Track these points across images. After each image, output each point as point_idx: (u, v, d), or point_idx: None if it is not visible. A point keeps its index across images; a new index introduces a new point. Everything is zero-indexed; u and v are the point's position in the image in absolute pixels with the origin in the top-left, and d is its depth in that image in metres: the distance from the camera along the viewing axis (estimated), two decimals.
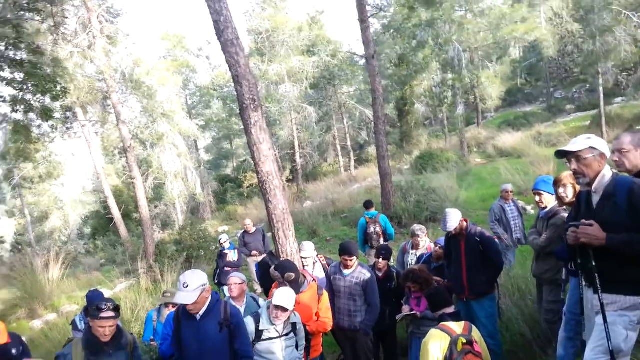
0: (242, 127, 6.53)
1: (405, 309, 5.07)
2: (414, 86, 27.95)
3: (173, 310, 4.77)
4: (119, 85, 20.22)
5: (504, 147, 22.37)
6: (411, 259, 6.42)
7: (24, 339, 5.65)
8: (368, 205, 9.37)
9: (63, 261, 12.32)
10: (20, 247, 19.28)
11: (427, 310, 4.45)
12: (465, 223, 5.06)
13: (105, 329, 3.59)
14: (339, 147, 30.98)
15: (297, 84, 26.27)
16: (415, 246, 6.50)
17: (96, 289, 6.27)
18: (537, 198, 4.58)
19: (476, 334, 3.62)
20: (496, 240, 5.32)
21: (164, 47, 33.73)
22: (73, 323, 5.80)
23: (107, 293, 10.73)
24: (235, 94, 6.49)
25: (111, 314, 3.61)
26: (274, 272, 4.65)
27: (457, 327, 3.57)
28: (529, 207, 11.74)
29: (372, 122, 15.27)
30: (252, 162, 6.41)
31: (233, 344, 3.78)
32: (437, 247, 5.80)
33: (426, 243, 6.53)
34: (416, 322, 4.97)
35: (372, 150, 28.25)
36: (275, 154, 27.59)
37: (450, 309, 3.84)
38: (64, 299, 11.33)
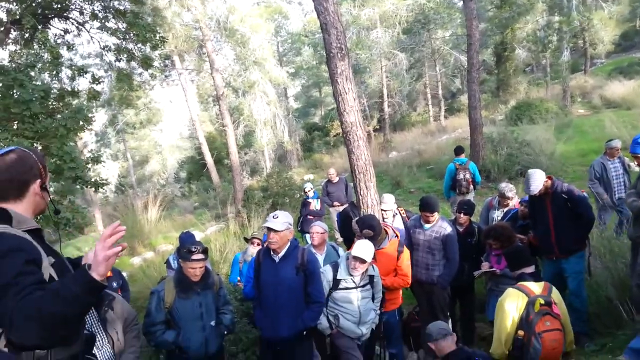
0: None
1: (485, 266, 5.02)
2: (516, 29, 26.14)
3: (258, 247, 5.07)
4: (213, 33, 20.85)
5: (612, 97, 20.48)
6: (497, 215, 6.22)
7: (124, 274, 6.28)
8: (458, 151, 9.30)
9: (160, 203, 13.17)
10: (123, 188, 20.99)
11: (507, 268, 4.37)
12: (549, 181, 4.81)
13: (195, 270, 3.90)
14: (429, 96, 29.94)
15: (389, 29, 25.38)
16: (503, 206, 6.19)
17: (188, 230, 6.75)
18: (636, 162, 4.24)
19: (556, 295, 3.53)
20: (585, 195, 4.96)
21: None
22: (167, 262, 6.31)
23: (198, 235, 11.42)
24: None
25: (201, 256, 3.90)
26: (355, 225, 4.77)
27: (536, 287, 3.50)
28: (633, 164, 10.81)
29: (466, 70, 14.58)
30: None
31: (307, 288, 3.99)
32: (523, 206, 5.58)
33: (514, 202, 6.26)
34: (495, 280, 4.91)
35: (464, 99, 27.02)
36: (363, 103, 27.61)
37: (530, 269, 3.73)
38: (160, 238, 12.24)
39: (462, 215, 5.51)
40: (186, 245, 3.98)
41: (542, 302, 3.35)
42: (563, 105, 21.08)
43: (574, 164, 12.21)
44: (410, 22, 25.61)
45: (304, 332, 4.03)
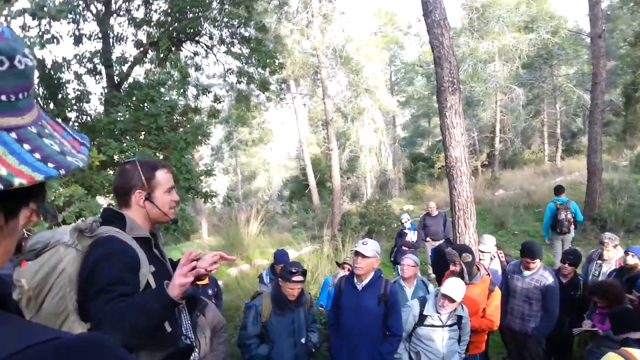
0: None
1: (587, 324, 4.63)
2: None
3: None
4: (329, 60, 21.57)
5: None
6: (594, 268, 5.73)
7: (220, 282, 6.61)
8: (559, 190, 9.34)
9: (262, 218, 13.53)
10: (229, 201, 22.15)
11: (611, 330, 4.02)
12: None
13: (294, 290, 4.06)
14: (546, 134, 28.28)
15: (507, 62, 24.52)
16: (602, 257, 5.72)
17: (283, 249, 6.96)
18: None
19: None
20: None
21: (375, 23, 34.44)
22: (260, 276, 6.56)
23: (293, 254, 11.66)
24: None
25: (300, 278, 4.06)
26: (451, 250, 4.68)
27: None
28: None
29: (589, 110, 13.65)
30: None
31: (387, 320, 3.97)
32: (630, 255, 5.09)
33: (615, 255, 5.70)
34: (596, 341, 4.51)
35: (585, 140, 25.25)
36: (473, 137, 26.83)
37: (637, 334, 3.41)
38: (257, 252, 12.53)
39: (567, 265, 5.16)
40: (287, 267, 4.14)
41: None
42: None
43: None
44: (532, 56, 24.57)
45: None
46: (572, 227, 8.95)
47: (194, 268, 1.78)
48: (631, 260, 5.07)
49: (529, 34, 23.96)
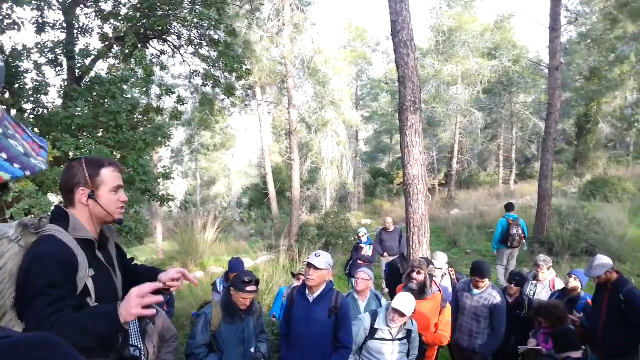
0: None
1: (532, 343, 4.79)
2: (602, 103, 25.37)
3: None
4: (297, 70, 21.66)
5: None
6: (530, 288, 5.99)
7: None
8: (510, 207, 10.09)
9: (219, 225, 13.28)
10: (187, 205, 21.81)
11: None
12: (614, 275, 4.54)
13: (246, 300, 4.02)
14: (501, 158, 29.27)
15: (469, 86, 25.28)
16: (537, 278, 6.05)
17: (239, 257, 6.88)
18: None
19: None
20: None
21: (345, 37, 34.88)
22: (214, 284, 6.44)
23: (248, 263, 11.53)
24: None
25: (254, 288, 4.02)
26: (420, 259, 4.75)
27: None
28: None
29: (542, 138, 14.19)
30: None
31: (337, 332, 3.99)
32: (573, 278, 5.33)
33: (549, 276, 6.05)
34: (540, 359, 4.66)
35: (537, 166, 26.23)
36: (432, 156, 27.41)
37: (577, 354, 3.56)
38: (212, 260, 12.36)
39: (513, 286, 5.33)
40: (241, 276, 4.08)
41: None
42: None
43: None
44: (493, 82, 25.43)
45: None
46: (523, 241, 9.74)
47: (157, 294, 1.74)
48: (573, 282, 5.31)
49: (492, 60, 24.82)
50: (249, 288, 3.97)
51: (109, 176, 1.98)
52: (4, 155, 0.66)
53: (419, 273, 4.67)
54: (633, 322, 4.34)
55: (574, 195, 19.27)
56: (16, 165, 0.66)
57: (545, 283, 5.99)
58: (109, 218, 2.00)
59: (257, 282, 4.07)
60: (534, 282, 6.04)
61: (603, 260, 4.62)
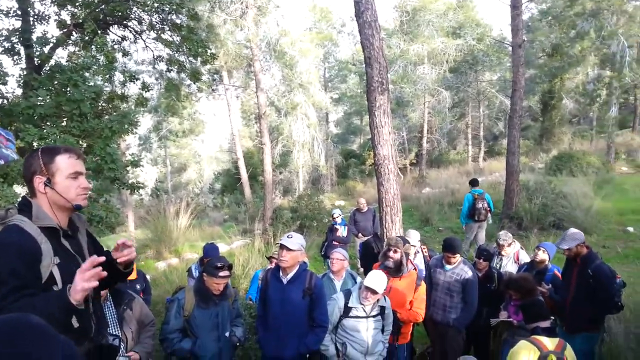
0: None
1: (503, 315, 4.94)
2: (565, 79, 25.94)
3: None
4: (263, 53, 21.39)
5: None
6: (496, 262, 6.18)
7: (148, 277, 6.40)
8: (475, 182, 10.43)
9: (192, 211, 13.14)
10: (158, 193, 21.49)
11: None
12: (584, 250, 4.68)
13: (219, 285, 4.01)
14: (470, 136, 29.72)
15: (436, 66, 25.40)
16: (501, 254, 6.25)
17: (213, 242, 6.84)
18: None
19: (569, 353, 3.44)
20: (618, 280, 4.63)
21: (310, 19, 34.57)
22: (189, 270, 6.42)
23: (223, 248, 11.47)
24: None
25: (226, 273, 4.01)
26: (397, 237, 4.81)
27: (550, 342, 3.42)
28: None
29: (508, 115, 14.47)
30: None
31: (312, 312, 4.04)
32: (541, 251, 5.49)
33: (513, 250, 6.26)
34: (511, 330, 4.81)
35: (505, 143, 26.73)
36: (402, 136, 27.62)
37: (545, 323, 3.67)
38: (186, 246, 12.26)
39: (481, 260, 5.48)
40: (213, 261, 4.07)
41: (554, 358, 3.29)
42: (606, 161, 20.60)
43: (610, 222, 11.85)
44: (458, 61, 25.62)
45: (307, 356, 4.06)
46: (489, 214, 10.06)
47: (101, 269, 1.76)
48: (541, 255, 5.47)
49: (457, 39, 24.97)
50: (221, 273, 3.96)
51: (65, 162, 1.97)
52: None
53: (395, 252, 4.75)
54: (600, 297, 4.48)
55: (540, 170, 19.77)
56: None
57: (510, 256, 6.18)
58: (68, 204, 1.99)
59: (229, 267, 4.07)
60: (499, 256, 6.22)
61: (575, 233, 4.74)
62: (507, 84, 26.38)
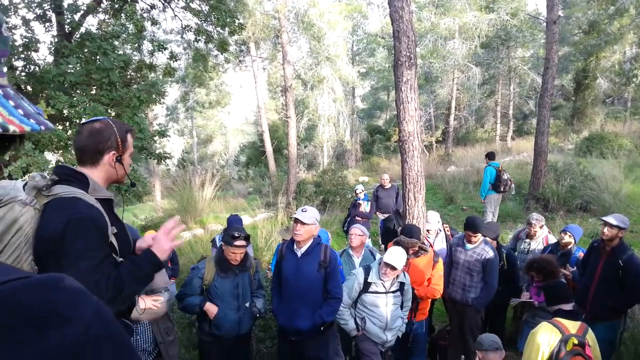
0: None
1: (525, 296, 4.92)
2: (601, 58, 25.00)
3: None
4: (291, 24, 21.16)
5: None
6: (523, 246, 6.09)
7: None
8: (492, 156, 10.51)
9: (217, 183, 13.25)
10: (184, 163, 21.79)
11: None
12: (618, 239, 4.54)
13: (236, 255, 4.07)
14: (499, 114, 29.01)
15: (467, 41, 24.74)
16: (530, 235, 6.11)
17: (237, 214, 6.93)
18: None
19: (591, 337, 3.42)
20: None
21: None
22: (213, 241, 6.53)
23: (247, 220, 11.62)
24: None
25: (243, 242, 4.06)
26: (411, 239, 4.81)
27: (572, 325, 3.40)
28: None
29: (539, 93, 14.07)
30: None
31: (326, 284, 4.09)
32: (567, 235, 5.40)
33: (542, 234, 6.10)
34: (532, 311, 4.81)
35: (535, 122, 26.07)
36: (430, 112, 27.21)
37: (568, 306, 3.63)
38: (211, 217, 12.37)
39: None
40: (230, 231, 4.12)
41: (576, 342, 3.26)
42: (639, 144, 19.97)
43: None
44: (490, 36, 24.91)
45: (321, 328, 4.11)
46: (512, 185, 10.27)
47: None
48: (567, 239, 5.39)
49: (490, 13, 24.23)
50: (237, 242, 4.01)
51: (131, 142, 2.09)
52: (21, 112, 0.72)
53: (413, 248, 4.78)
54: (630, 288, 4.40)
55: (570, 151, 19.31)
56: (32, 121, 0.73)
57: (539, 240, 6.06)
58: (123, 180, 2.10)
59: (247, 238, 4.10)
60: (527, 240, 6.12)
61: (624, 218, 4.61)
62: (539, 61, 25.62)
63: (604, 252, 4.62)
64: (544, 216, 10.58)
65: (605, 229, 4.60)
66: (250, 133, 37.77)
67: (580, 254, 5.31)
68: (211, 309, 4.02)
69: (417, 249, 4.81)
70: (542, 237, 6.09)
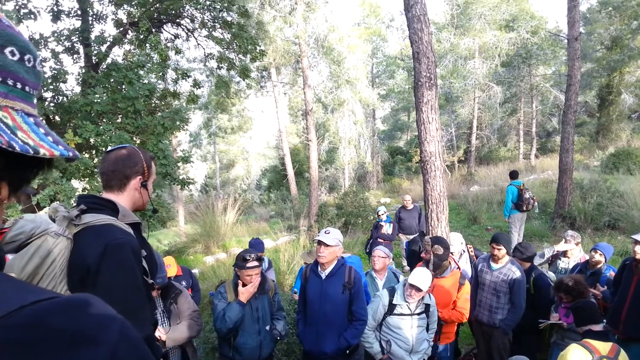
0: None
1: (554, 317, 4.79)
2: (625, 73, 24.70)
3: None
4: (311, 49, 21.49)
5: None
6: (561, 266, 5.95)
7: (195, 271, 6.51)
8: (515, 175, 10.44)
9: (239, 207, 13.41)
10: (207, 189, 22.12)
11: None
12: None
13: (251, 277, 4.03)
14: (521, 132, 28.72)
15: (487, 60, 24.76)
16: (565, 253, 5.99)
17: (259, 237, 6.95)
18: None
19: (624, 358, 3.31)
20: None
21: (358, 14, 34.35)
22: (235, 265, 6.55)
23: (269, 243, 11.65)
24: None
25: (255, 263, 4.02)
26: (427, 239, 4.78)
27: (602, 347, 3.31)
28: None
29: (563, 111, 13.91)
30: None
31: (351, 306, 4.05)
32: (598, 254, 5.27)
33: (580, 253, 5.95)
34: (561, 333, 4.67)
35: (559, 139, 25.71)
36: (451, 132, 27.11)
37: (598, 327, 3.54)
38: (234, 241, 12.49)
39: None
40: (241, 254, 4.11)
41: None
42: None
43: None
44: (511, 55, 24.88)
45: (347, 351, 4.06)
46: (535, 203, 10.20)
47: None
48: (598, 257, 5.26)
49: (510, 32, 24.24)
50: (249, 264, 3.99)
51: (154, 168, 2.15)
52: (50, 138, 0.76)
53: (426, 253, 4.72)
54: None
55: (596, 168, 18.96)
56: (61, 147, 0.77)
57: (577, 258, 5.94)
58: (145, 206, 2.14)
59: (259, 258, 4.08)
60: (565, 258, 6.00)
61: None
62: (562, 78, 25.42)
63: (637, 270, 4.48)
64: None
65: (637, 248, 4.47)
66: (272, 157, 38.14)
67: (611, 273, 5.16)
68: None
69: (441, 253, 4.74)
70: (579, 257, 5.96)
